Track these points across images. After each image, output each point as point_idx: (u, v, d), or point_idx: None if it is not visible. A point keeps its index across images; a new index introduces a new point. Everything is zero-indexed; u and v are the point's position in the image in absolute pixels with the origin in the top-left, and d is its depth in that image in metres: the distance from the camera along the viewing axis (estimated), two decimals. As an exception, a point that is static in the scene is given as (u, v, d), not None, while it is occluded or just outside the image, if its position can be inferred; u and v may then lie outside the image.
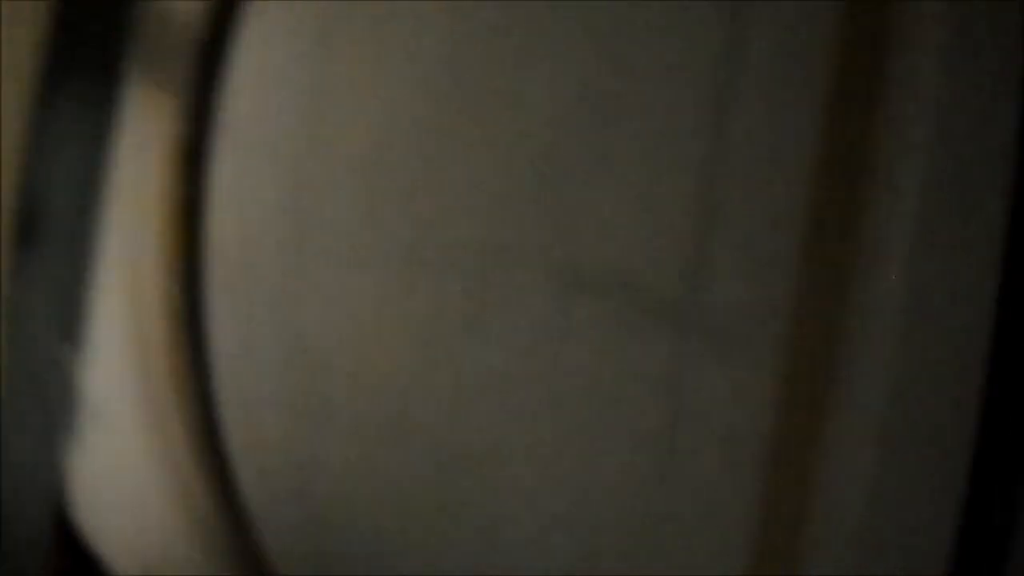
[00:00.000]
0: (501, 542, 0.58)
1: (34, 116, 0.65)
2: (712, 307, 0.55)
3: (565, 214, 0.57)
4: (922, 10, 0.51)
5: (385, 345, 0.61)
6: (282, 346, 0.64)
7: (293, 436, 0.64)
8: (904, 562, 0.53)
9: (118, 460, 0.69)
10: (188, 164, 0.67)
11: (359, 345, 0.61)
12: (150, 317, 0.68)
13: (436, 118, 0.59)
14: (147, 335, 0.68)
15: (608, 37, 0.56)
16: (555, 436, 0.58)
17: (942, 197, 0.52)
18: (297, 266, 0.63)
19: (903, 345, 0.53)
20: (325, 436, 0.63)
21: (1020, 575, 0.54)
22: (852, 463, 0.53)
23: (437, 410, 0.60)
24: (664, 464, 0.56)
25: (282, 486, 0.64)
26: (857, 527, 0.53)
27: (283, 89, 0.65)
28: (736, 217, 0.55)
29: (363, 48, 0.62)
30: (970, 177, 0.52)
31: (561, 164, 0.57)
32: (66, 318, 0.68)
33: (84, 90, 0.67)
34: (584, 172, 0.57)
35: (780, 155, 0.54)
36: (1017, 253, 0.53)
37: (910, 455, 0.53)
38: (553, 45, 0.57)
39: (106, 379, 0.69)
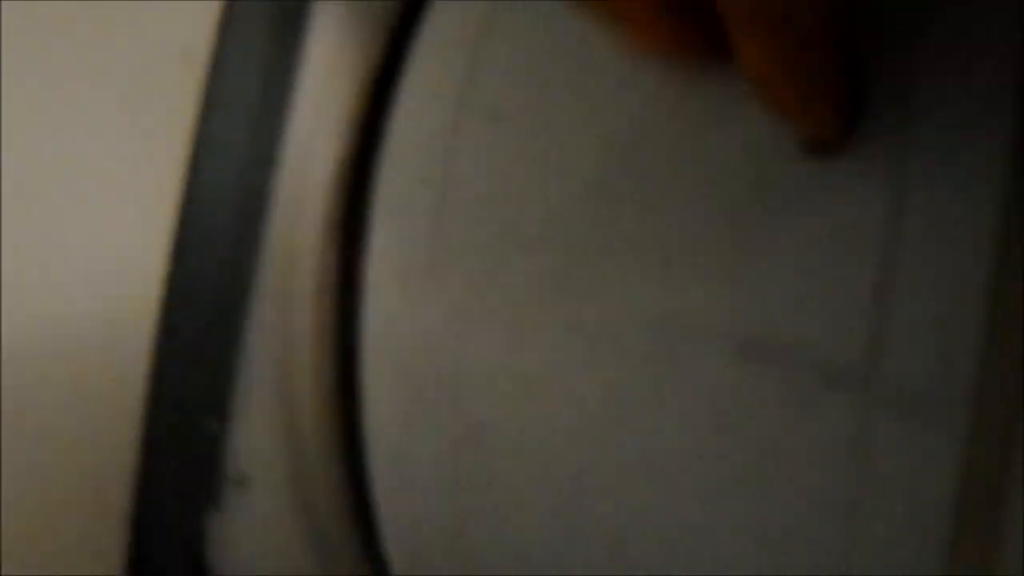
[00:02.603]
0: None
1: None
2: (895, 372, 0.55)
3: (743, 281, 0.57)
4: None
5: (554, 422, 0.59)
6: (442, 420, 0.62)
7: (452, 516, 0.62)
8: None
9: (264, 533, 0.67)
10: (345, 232, 0.66)
11: (526, 422, 0.60)
12: (301, 388, 0.66)
13: (615, 182, 0.58)
14: (297, 406, 0.66)
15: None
16: (736, 512, 0.57)
17: None
18: (461, 336, 0.61)
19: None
20: (486, 519, 0.61)
21: None
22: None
23: (610, 490, 0.58)
24: (850, 532, 0.55)
25: (438, 570, 0.63)
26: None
27: (455, 156, 0.64)
28: (917, 278, 0.55)
29: (535, 114, 0.61)
30: None
31: (738, 228, 0.57)
32: (210, 386, 0.66)
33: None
34: (762, 235, 0.56)
35: (963, 215, 0.54)
36: None
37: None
38: (746, 109, 0.56)
39: (255, 450, 0.67)
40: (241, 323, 0.66)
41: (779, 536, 0.56)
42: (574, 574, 0.59)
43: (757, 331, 0.56)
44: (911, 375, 0.55)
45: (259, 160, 0.68)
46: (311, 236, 0.66)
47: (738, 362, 0.56)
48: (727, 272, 0.56)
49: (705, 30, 0.54)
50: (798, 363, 0.56)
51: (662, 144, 0.58)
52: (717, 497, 0.57)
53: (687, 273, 0.57)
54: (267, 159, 0.68)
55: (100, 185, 0.68)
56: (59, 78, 0.68)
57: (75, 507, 0.67)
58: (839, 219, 0.56)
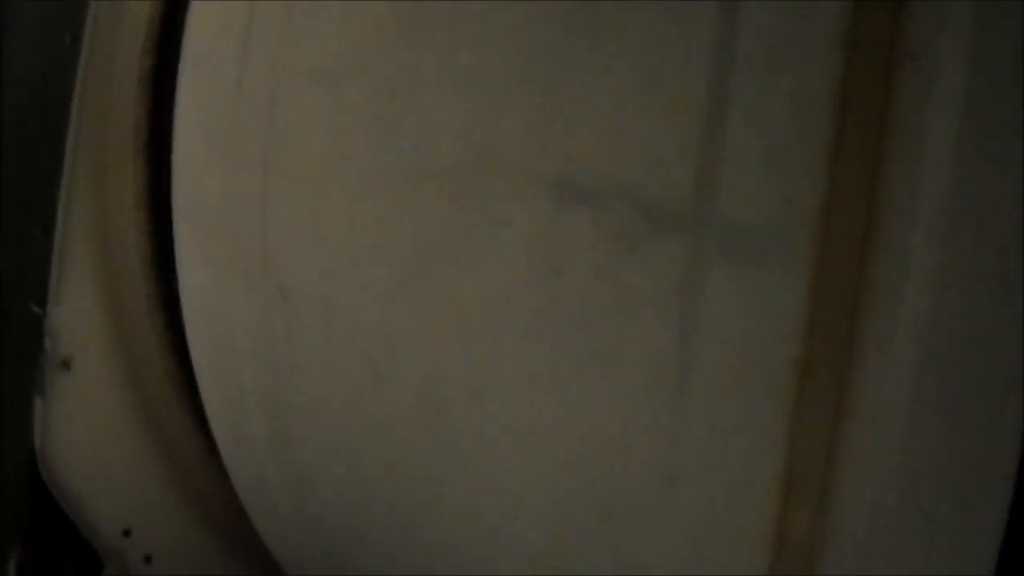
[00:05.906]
0: (495, 486, 0.52)
1: None
2: (729, 214, 0.49)
3: (558, 115, 0.51)
4: None
5: (365, 274, 0.55)
6: (253, 280, 0.58)
7: (268, 377, 0.58)
8: (950, 488, 0.48)
9: (90, 411, 0.64)
10: (152, 89, 0.62)
11: (336, 275, 0.55)
12: (118, 260, 0.62)
13: (411, 15, 0.53)
14: (117, 282, 0.63)
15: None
16: (556, 364, 0.52)
17: (987, 79, 0.46)
18: (266, 192, 0.57)
19: (943, 245, 0.47)
20: (301, 376, 0.57)
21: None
22: (890, 375, 0.47)
23: (423, 341, 0.54)
24: (680, 386, 0.50)
25: (259, 432, 0.59)
26: (896, 448, 0.47)
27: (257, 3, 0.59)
28: (753, 111, 0.49)
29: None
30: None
31: (552, 58, 0.51)
32: (32, 271, 0.63)
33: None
34: (578, 66, 0.50)
35: (803, 37, 0.48)
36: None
37: (955, 363, 0.47)
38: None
39: (77, 331, 0.64)
40: (56, 201, 0.63)
41: (602, 390, 0.51)
42: (389, 430, 0.55)
43: (572, 168, 0.50)
44: (746, 214, 0.49)
45: (64, 36, 0.63)
46: (122, 96, 0.62)
47: (555, 203, 0.51)
48: (541, 103, 0.51)
49: None
50: (619, 203, 0.50)
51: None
52: (534, 350, 0.52)
53: (497, 106, 0.51)
54: (73, 35, 0.63)
55: None
56: None
57: None
58: (663, 40, 0.50)
